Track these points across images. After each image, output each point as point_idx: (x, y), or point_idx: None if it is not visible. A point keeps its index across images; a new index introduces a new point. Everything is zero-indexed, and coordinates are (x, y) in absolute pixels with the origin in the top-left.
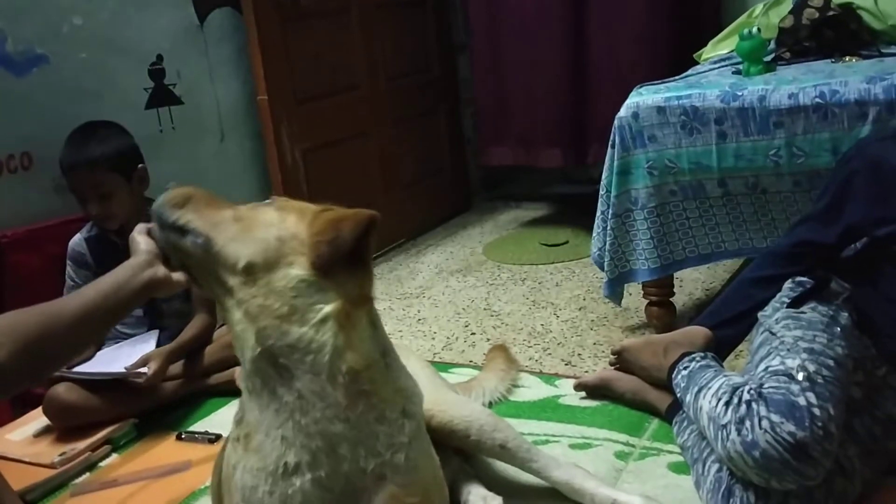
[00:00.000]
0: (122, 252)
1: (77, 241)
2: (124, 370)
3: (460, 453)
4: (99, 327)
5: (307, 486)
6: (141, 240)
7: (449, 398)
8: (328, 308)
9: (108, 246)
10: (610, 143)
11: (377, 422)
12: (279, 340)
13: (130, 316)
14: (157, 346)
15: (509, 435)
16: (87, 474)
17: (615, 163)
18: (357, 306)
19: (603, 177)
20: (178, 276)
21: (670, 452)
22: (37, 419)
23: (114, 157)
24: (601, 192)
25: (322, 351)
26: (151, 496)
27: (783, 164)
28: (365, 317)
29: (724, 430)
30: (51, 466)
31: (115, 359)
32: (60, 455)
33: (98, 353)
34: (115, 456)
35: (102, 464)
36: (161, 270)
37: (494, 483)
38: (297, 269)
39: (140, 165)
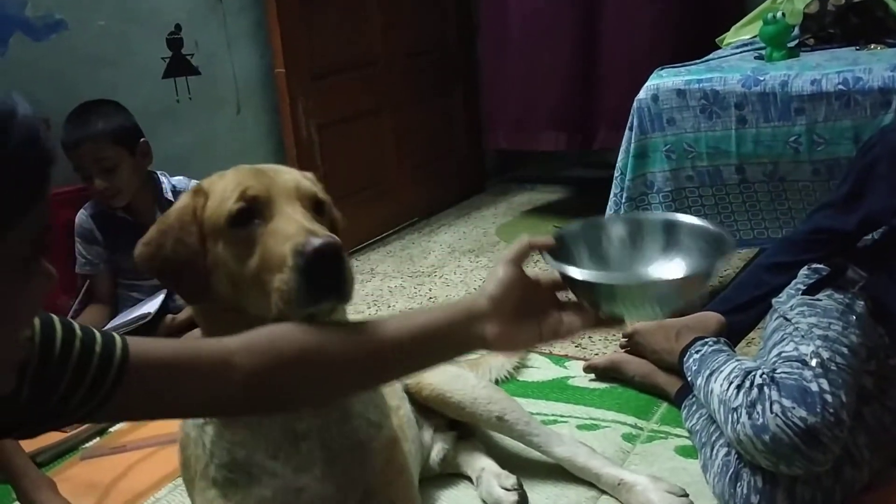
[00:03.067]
0: (132, 227)
1: (83, 218)
2: (128, 320)
3: (460, 427)
4: (411, 367)
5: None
6: (502, 274)
7: (443, 371)
8: None
9: (115, 221)
10: (628, 125)
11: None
12: None
13: (145, 285)
14: (163, 306)
15: (506, 407)
16: (98, 439)
17: (632, 145)
18: None
19: (619, 159)
20: (527, 337)
21: (678, 436)
22: None
23: (117, 131)
24: (616, 175)
25: None
26: (159, 462)
27: (803, 152)
28: None
29: (735, 414)
30: (62, 430)
31: (121, 319)
32: None
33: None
34: (123, 424)
35: (112, 430)
36: (500, 330)
37: (502, 458)
38: None
39: (142, 140)
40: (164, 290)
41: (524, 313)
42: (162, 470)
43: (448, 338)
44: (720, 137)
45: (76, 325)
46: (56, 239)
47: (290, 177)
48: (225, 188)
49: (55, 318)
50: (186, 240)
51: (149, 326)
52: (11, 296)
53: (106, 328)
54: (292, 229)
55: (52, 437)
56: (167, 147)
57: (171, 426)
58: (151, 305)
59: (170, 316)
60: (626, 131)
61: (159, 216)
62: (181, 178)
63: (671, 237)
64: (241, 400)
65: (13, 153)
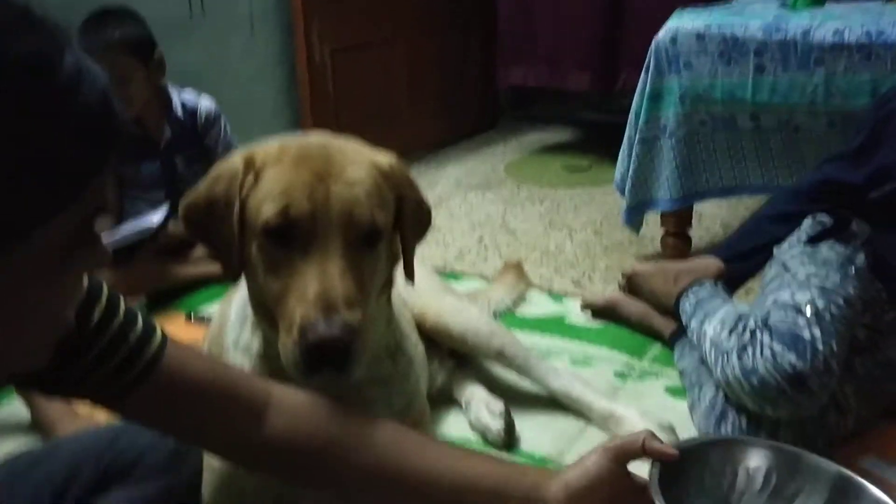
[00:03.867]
0: (139, 139)
1: None
2: (132, 230)
3: (459, 356)
4: None
5: None
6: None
7: (446, 303)
8: None
9: None
10: (644, 66)
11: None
12: None
13: (149, 197)
14: (166, 218)
15: (507, 341)
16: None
17: (647, 87)
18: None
19: (634, 101)
20: None
21: (669, 376)
22: None
23: (132, 40)
24: (630, 117)
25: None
26: None
27: (819, 103)
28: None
29: (726, 356)
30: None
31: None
32: None
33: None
34: None
35: None
36: None
37: (494, 388)
38: None
39: (157, 51)
40: (168, 203)
41: None
42: None
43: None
44: (737, 84)
45: (121, 304)
46: None
47: (349, 195)
48: (272, 185)
49: (104, 287)
50: (228, 220)
51: (151, 237)
52: (53, 284)
53: (109, 238)
54: (312, 292)
55: None
56: (180, 64)
57: None
58: (155, 217)
59: (172, 223)
60: (643, 73)
61: (167, 131)
62: (190, 91)
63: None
64: (255, 454)
65: (81, 114)
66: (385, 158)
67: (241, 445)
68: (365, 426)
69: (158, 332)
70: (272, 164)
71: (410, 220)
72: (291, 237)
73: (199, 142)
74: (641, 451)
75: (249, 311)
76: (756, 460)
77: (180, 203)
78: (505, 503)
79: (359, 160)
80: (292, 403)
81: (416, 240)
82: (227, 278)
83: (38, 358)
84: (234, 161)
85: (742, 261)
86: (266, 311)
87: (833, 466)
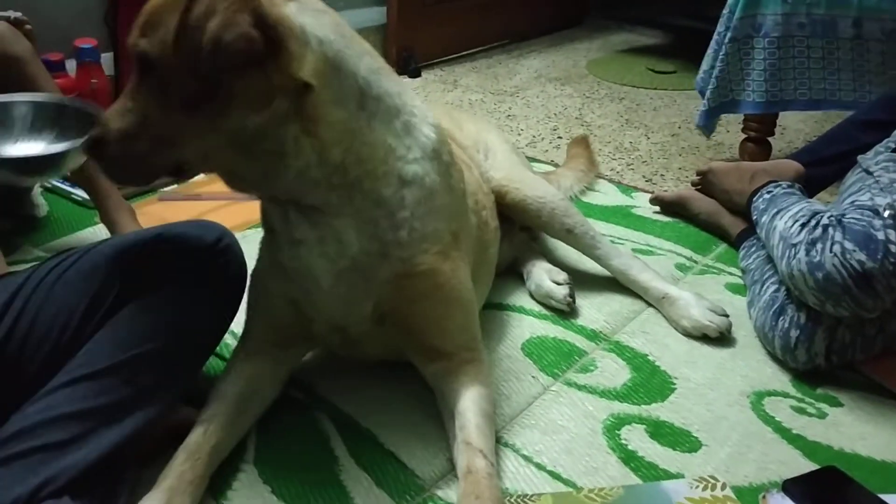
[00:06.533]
0: None
1: None
2: None
3: (527, 230)
4: None
5: (314, 258)
6: None
7: (526, 176)
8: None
9: None
10: None
11: (375, 206)
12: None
13: None
14: None
15: (577, 221)
16: (175, 185)
17: None
18: (303, 95)
19: None
20: None
21: (731, 274)
22: None
23: None
24: (724, 12)
25: (302, 163)
26: (230, 214)
27: None
28: (323, 95)
29: (794, 249)
30: None
31: None
32: None
33: None
34: (202, 175)
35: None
36: None
37: (556, 264)
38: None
39: None
40: None
41: None
42: (232, 221)
43: None
44: None
45: None
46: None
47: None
48: None
49: None
50: None
51: None
52: None
53: None
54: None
55: None
56: None
57: None
58: None
59: None
60: None
61: None
62: None
63: None
64: None
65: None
66: None
67: None
68: None
69: None
70: None
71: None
72: None
73: None
74: None
75: None
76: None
77: None
78: None
79: None
80: None
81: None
82: None
83: None
84: None
85: (824, 166)
86: None
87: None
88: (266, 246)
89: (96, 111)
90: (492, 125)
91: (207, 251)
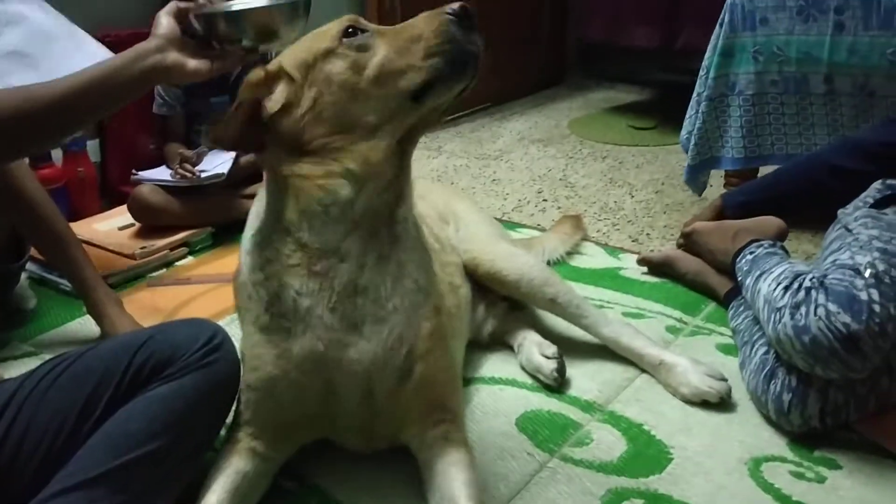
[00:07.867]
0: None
1: None
2: (200, 176)
3: (511, 302)
4: (89, 111)
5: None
6: (164, 20)
7: (500, 249)
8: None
9: None
10: (719, 21)
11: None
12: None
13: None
14: (235, 159)
15: (560, 290)
16: (164, 270)
17: (720, 42)
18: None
19: (705, 57)
20: (197, 64)
21: (721, 334)
22: (123, 214)
23: None
24: (700, 73)
25: None
26: (219, 298)
27: None
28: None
29: (778, 313)
30: (131, 257)
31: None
32: (141, 248)
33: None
34: (190, 258)
35: (178, 263)
36: (171, 57)
37: (545, 335)
38: None
39: None
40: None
41: (192, 50)
42: (222, 304)
43: (124, 70)
44: (813, 43)
45: None
46: None
47: None
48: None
49: None
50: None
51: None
52: None
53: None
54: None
55: (122, 263)
56: None
57: (234, 267)
58: (223, 166)
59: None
60: (717, 27)
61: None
62: None
63: None
64: None
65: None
66: None
67: None
68: (24, 87)
69: None
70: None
71: None
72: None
73: None
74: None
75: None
76: None
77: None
78: (131, 65)
79: None
80: None
81: None
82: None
83: None
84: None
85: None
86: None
87: None
88: (267, 332)
89: None
90: (463, 195)
91: (200, 350)
